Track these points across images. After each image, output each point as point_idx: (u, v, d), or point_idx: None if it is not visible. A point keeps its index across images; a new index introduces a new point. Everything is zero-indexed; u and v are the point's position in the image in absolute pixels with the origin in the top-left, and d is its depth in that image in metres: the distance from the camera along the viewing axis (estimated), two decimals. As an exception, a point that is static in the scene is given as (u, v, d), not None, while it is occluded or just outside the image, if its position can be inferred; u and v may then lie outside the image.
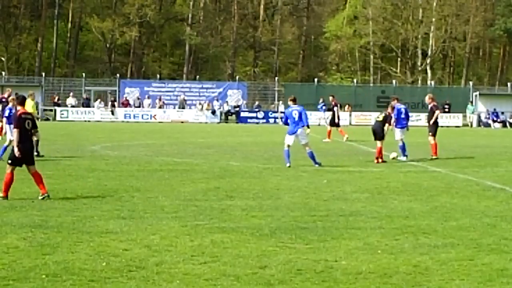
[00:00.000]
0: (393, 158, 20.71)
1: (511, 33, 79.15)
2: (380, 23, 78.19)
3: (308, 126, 20.35)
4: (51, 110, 56.81)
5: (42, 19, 77.28)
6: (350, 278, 7.06)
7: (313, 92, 60.25)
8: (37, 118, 25.61)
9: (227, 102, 58.88)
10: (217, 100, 58.71)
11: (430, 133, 22.01)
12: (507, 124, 57.72)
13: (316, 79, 64.57)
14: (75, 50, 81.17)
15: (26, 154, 11.96)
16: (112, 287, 6.66)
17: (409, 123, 22.26)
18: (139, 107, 57.80)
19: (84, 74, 62.92)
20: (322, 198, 12.53)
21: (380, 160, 19.98)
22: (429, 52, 78.14)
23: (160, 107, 57.52)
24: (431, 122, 22.29)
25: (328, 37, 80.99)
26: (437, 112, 22.33)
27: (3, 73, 63.53)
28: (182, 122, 55.48)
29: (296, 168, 18.00)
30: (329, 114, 34.60)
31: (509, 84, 63.35)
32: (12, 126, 14.09)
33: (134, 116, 56.28)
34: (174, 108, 58.43)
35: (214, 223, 9.90)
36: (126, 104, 58.03)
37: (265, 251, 8.16)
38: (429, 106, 22.60)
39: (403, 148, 21.00)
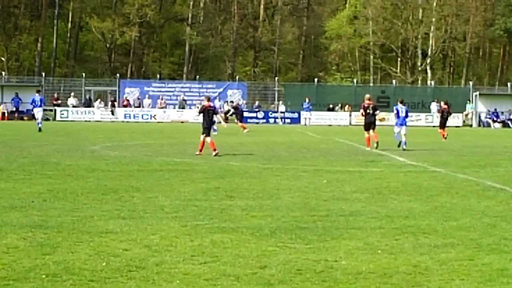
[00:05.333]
0: None
1: (511, 33, 79.14)
2: (380, 23, 78.21)
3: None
4: (51, 110, 56.84)
5: (42, 19, 77.30)
6: (350, 278, 7.06)
7: (313, 92, 60.25)
8: None
9: (227, 102, 58.93)
10: (219, 100, 58.78)
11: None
12: (510, 124, 57.71)
13: (316, 79, 64.58)
14: (75, 50, 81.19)
15: None
16: (112, 287, 6.65)
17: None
18: (139, 107, 57.81)
19: (84, 74, 62.95)
20: (322, 198, 12.52)
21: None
22: (429, 52, 78.16)
23: (161, 107, 57.56)
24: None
25: (328, 36, 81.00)
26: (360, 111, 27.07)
27: (3, 73, 63.58)
28: (182, 122, 55.51)
29: (296, 168, 18.00)
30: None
31: (509, 84, 63.37)
32: None
33: (134, 116, 56.30)
34: (174, 108, 58.44)
35: (214, 223, 9.90)
36: (126, 104, 58.04)
37: (265, 251, 8.15)
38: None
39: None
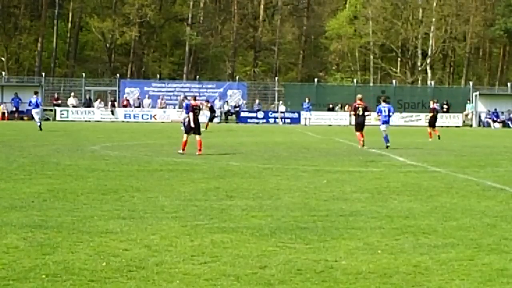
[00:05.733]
0: None
1: (511, 33, 79.15)
2: (380, 23, 78.24)
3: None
4: (51, 110, 56.86)
5: (42, 19, 77.30)
6: (350, 278, 7.06)
7: (313, 92, 60.25)
8: None
9: (227, 102, 58.90)
10: (219, 100, 58.78)
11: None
12: (510, 124, 57.69)
13: (316, 79, 64.58)
14: (75, 50, 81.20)
15: None
16: (112, 287, 6.65)
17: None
18: (139, 107, 57.80)
19: (84, 74, 62.95)
20: (322, 198, 12.51)
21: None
22: (429, 52, 78.17)
23: (161, 107, 57.56)
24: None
25: (328, 36, 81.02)
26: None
27: (3, 73, 63.59)
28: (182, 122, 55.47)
29: (296, 168, 18.00)
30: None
31: (509, 84, 63.37)
32: None
33: (134, 116, 56.29)
34: (174, 108, 58.44)
35: (214, 223, 9.90)
36: (126, 104, 58.03)
37: (265, 251, 8.15)
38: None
39: None
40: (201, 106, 25.22)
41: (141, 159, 19.76)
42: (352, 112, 27.86)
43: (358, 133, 26.56)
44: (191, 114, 22.43)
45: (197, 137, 22.09)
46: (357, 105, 27.10)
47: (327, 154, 23.25)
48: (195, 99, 23.65)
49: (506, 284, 6.95)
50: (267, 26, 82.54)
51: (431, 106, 36.31)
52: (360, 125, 26.67)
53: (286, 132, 41.32)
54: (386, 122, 27.58)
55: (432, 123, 35.01)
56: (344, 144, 29.19)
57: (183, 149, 21.81)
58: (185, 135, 22.30)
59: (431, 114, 35.63)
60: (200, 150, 21.74)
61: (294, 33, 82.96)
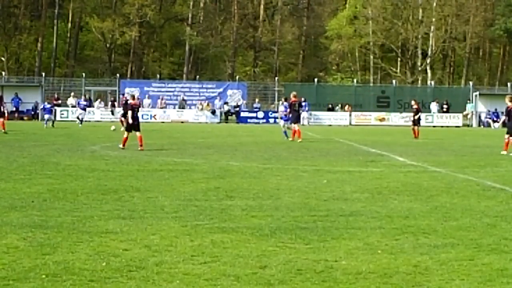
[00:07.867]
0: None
1: (511, 33, 79.14)
2: (380, 23, 78.23)
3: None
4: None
5: (42, 19, 77.31)
6: (350, 278, 7.06)
7: (313, 92, 60.24)
8: None
9: (227, 102, 58.86)
10: (219, 100, 58.72)
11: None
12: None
13: (316, 79, 64.55)
14: (75, 50, 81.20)
15: None
16: (112, 287, 6.66)
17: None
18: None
19: (84, 74, 62.94)
20: (322, 198, 12.51)
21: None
22: (429, 52, 78.16)
23: (161, 107, 57.54)
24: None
25: (329, 36, 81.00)
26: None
27: (3, 73, 63.60)
28: (182, 122, 55.51)
29: (296, 168, 18.00)
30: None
31: (509, 84, 63.35)
32: None
33: (134, 116, 56.19)
34: (174, 108, 58.43)
35: (214, 223, 9.90)
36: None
37: (265, 251, 8.15)
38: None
39: None
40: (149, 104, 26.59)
41: (141, 159, 19.75)
42: (289, 109, 30.76)
43: (297, 127, 29.69)
44: (130, 112, 23.93)
45: (137, 133, 23.48)
46: (293, 102, 30.17)
47: (327, 154, 23.24)
48: (133, 98, 25.28)
49: (506, 284, 6.95)
50: (267, 26, 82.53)
51: (415, 106, 36.54)
52: (298, 118, 30.50)
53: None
54: (286, 119, 31.23)
55: (418, 122, 35.60)
56: (344, 144, 29.18)
57: (124, 145, 23.24)
58: (126, 132, 23.82)
59: (419, 114, 35.85)
60: (141, 145, 23.00)
61: (294, 33, 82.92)
